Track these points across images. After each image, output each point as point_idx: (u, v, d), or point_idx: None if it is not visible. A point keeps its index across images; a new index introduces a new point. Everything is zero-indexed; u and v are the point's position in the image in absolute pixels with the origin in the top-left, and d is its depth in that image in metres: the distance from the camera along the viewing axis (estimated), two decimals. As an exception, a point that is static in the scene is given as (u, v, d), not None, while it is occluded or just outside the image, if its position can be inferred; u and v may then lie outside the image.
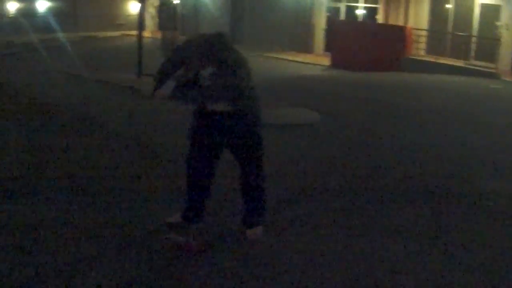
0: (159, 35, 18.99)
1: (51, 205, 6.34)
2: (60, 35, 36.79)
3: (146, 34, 19.98)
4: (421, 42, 25.05)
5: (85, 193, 6.75)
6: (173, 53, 5.58)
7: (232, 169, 5.93)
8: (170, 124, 10.90)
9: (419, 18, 25.87)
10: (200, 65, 5.28)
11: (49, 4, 49.96)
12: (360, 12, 29.02)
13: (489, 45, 22.82)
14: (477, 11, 24.04)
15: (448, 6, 25.17)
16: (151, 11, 20.90)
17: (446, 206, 6.78)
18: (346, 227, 6.00)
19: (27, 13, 52.86)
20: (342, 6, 29.58)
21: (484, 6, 23.87)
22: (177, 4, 36.13)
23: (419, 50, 24.89)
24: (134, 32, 19.80)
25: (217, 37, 5.30)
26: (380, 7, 27.73)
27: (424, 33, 25.30)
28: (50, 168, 7.73)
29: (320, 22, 30.17)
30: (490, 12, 23.66)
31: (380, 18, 27.63)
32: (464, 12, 24.55)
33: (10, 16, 57.74)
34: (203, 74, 5.30)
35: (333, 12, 29.93)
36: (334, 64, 24.92)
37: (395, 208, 6.64)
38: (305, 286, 4.79)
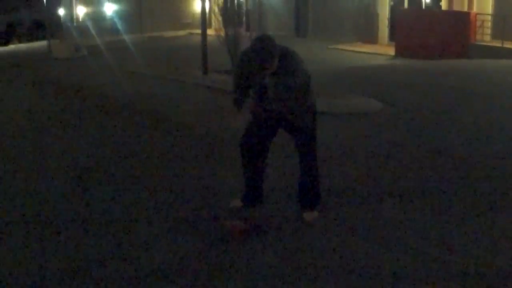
0: (222, 32, 19.20)
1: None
2: (127, 36, 37.58)
3: (211, 31, 20.28)
4: (486, 27, 24.71)
5: (155, 183, 7.11)
6: (236, 69, 5.91)
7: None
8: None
9: (483, 3, 25.51)
10: (259, 77, 5.54)
11: (115, 7, 51.00)
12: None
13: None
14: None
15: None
16: (215, 8, 21.12)
17: None
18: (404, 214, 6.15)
19: (95, 16, 54.11)
20: (406, -6, 29.43)
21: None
22: (241, 0, 36.44)
23: (485, 36, 24.56)
24: (200, 31, 20.12)
25: (260, 44, 5.36)
26: (443, -7, 27.47)
27: (488, 18, 24.96)
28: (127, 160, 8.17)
29: (384, 11, 30.03)
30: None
31: (444, 4, 27.35)
32: (530, -7, 24.16)
33: (80, 20, 59.22)
34: (267, 84, 5.57)
35: (396, 1, 29.78)
36: (399, 53, 24.81)
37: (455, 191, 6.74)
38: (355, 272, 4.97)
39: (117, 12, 50.34)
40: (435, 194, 6.59)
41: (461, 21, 24.00)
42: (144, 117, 11.69)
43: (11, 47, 55.83)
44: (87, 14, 58.69)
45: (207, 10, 20.74)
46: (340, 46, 28.03)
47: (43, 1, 52.84)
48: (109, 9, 51.80)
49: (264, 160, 6.07)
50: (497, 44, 23.19)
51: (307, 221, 5.83)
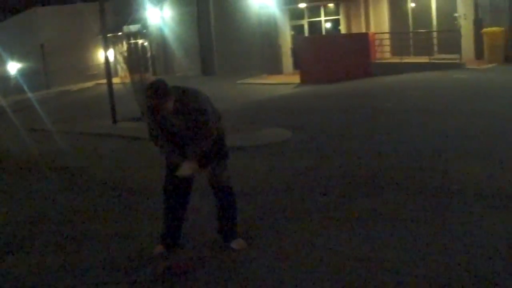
0: (128, 79, 19.22)
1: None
2: (33, 94, 36.96)
3: (117, 80, 20.28)
4: (385, 45, 25.52)
5: (75, 239, 7.01)
6: (148, 123, 6.00)
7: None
8: (145, 162, 11.23)
9: (380, 23, 26.41)
10: (166, 119, 5.77)
11: (19, 65, 50.20)
12: (323, 25, 29.54)
13: (450, 37, 23.26)
14: (434, 6, 24.61)
15: (405, 5, 25.73)
16: (118, 57, 21.14)
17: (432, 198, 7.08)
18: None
19: (-2, 76, 53.07)
20: (305, 23, 30.10)
21: (440, 0, 24.44)
22: (146, 46, 36.53)
23: (384, 53, 25.37)
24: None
25: (152, 87, 5.63)
26: (341, 17, 28.24)
27: (386, 36, 25.79)
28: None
29: (286, 42, 30.64)
30: (447, 5, 24.20)
31: (342, 28, 28.12)
32: (422, 9, 25.13)
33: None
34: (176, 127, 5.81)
35: (297, 30, 30.43)
36: (304, 81, 25.30)
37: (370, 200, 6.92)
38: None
39: (21, 70, 49.58)
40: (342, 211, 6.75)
41: (361, 42, 24.71)
42: (56, 175, 11.51)
43: None
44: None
45: (111, 59, 20.72)
46: (248, 80, 28.41)
47: None
48: (12, 68, 51.00)
49: (187, 203, 6.21)
50: (397, 60, 23.95)
51: (237, 249, 6.01)
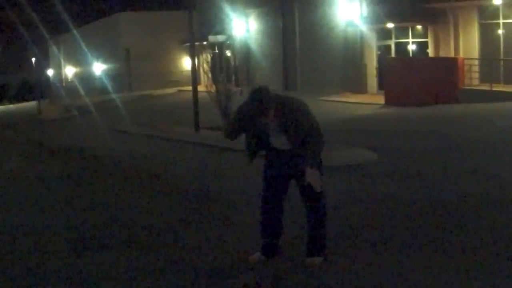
0: (212, 88, 19.28)
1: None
2: (116, 95, 37.65)
3: (201, 88, 20.37)
4: (474, 72, 24.93)
5: (157, 246, 6.95)
6: (234, 125, 5.98)
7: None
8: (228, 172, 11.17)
9: (469, 48, 25.80)
10: (260, 124, 5.73)
11: (104, 66, 51.32)
12: (410, 47, 29.12)
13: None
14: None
15: (497, 31, 25.10)
16: (205, 65, 21.26)
17: None
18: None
19: (84, 76, 54.44)
20: (392, 43, 29.73)
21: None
22: (229, 56, 36.81)
23: (473, 80, 24.77)
24: (189, 88, 20.25)
25: (257, 92, 5.58)
26: (429, 40, 27.76)
27: (476, 62, 25.19)
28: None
29: (371, 61, 30.33)
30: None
31: (430, 51, 27.64)
32: (514, 36, 24.45)
33: (69, 81, 59.58)
34: (269, 130, 5.81)
35: (383, 50, 30.08)
36: (389, 102, 24.91)
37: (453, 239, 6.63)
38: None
39: (105, 72, 50.64)
40: (431, 246, 6.47)
41: (449, 66, 24.19)
42: (139, 179, 11.55)
43: (1, 108, 55.93)
44: (76, 74, 59.09)
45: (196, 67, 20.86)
46: (330, 98, 28.20)
47: (32, 62, 53.28)
48: (98, 68, 52.14)
49: (282, 213, 6.20)
50: (486, 87, 23.35)
51: (308, 266, 5.90)
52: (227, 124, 6.09)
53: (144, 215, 8.53)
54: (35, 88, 48.78)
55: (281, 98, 5.73)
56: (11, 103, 63.40)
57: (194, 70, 20.00)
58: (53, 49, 64.81)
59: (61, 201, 9.88)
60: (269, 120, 5.62)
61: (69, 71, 62.00)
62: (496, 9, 24.80)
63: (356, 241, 6.71)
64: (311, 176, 5.69)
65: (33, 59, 53.37)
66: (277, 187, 6.09)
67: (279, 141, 5.86)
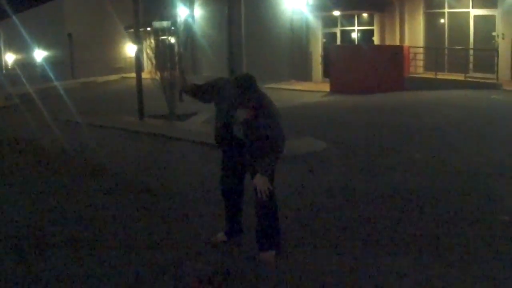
0: (157, 75, 18.95)
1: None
2: (59, 83, 36.85)
3: (145, 75, 19.99)
4: (419, 60, 25.08)
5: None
6: (206, 86, 6.04)
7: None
8: (173, 162, 10.90)
9: (415, 36, 25.95)
10: (232, 106, 5.63)
11: (46, 53, 50.25)
12: (356, 35, 29.14)
13: (487, 56, 22.82)
14: (471, 23, 24.11)
15: (442, 21, 25.26)
16: (149, 52, 20.85)
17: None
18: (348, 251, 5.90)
19: (25, 63, 53.23)
20: (338, 31, 29.71)
21: (478, 18, 23.97)
22: (174, 43, 36.32)
23: (418, 68, 24.92)
24: (133, 75, 19.88)
25: (246, 79, 5.56)
26: (375, 28, 27.82)
27: (421, 50, 25.35)
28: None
29: (317, 49, 30.28)
30: (485, 23, 23.73)
31: (376, 39, 27.70)
32: (459, 25, 24.64)
33: (9, 68, 58.21)
34: (236, 117, 5.69)
35: (329, 38, 30.04)
36: (334, 90, 24.91)
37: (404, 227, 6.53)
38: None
39: (47, 59, 49.60)
40: (386, 235, 6.36)
41: (395, 54, 24.25)
42: (84, 171, 11.17)
43: None
44: (16, 61, 57.77)
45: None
46: (276, 85, 28.04)
47: (-30, 50, 51.86)
48: (39, 55, 51.02)
49: (241, 196, 6.29)
50: (431, 75, 23.52)
51: (261, 261, 5.80)
52: (190, 84, 6.08)
53: (88, 211, 8.18)
54: (-26, 75, 47.44)
55: (260, 94, 5.64)
56: None
57: (138, 57, 19.62)
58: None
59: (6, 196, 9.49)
60: (243, 114, 5.54)
61: (9, 58, 60.59)
62: (441, -2, 25.01)
63: (304, 234, 6.55)
64: (259, 183, 5.60)
65: (-29, 46, 51.95)
66: (233, 171, 6.13)
67: (239, 131, 5.81)
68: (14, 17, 51.29)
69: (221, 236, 6.37)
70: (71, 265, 6.06)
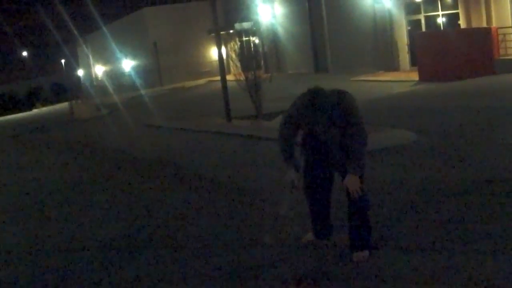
0: (242, 77, 19.00)
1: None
2: (147, 90, 37.63)
3: (230, 77, 20.07)
4: (509, 41, 24.22)
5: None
6: (285, 122, 5.82)
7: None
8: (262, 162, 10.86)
9: (502, 16, 25.04)
10: (316, 126, 5.51)
11: (133, 63, 51.28)
12: (440, 20, 28.44)
13: None
14: None
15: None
16: (232, 54, 20.94)
17: None
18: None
19: (113, 74, 54.54)
20: (422, 17, 29.07)
21: None
22: (257, 43, 36.47)
23: (508, 49, 24.06)
24: (219, 78, 20.00)
25: (312, 96, 5.37)
26: (460, 11, 27.05)
27: (510, 30, 24.46)
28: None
29: (402, 37, 29.71)
30: None
31: (462, 23, 26.94)
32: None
33: (99, 79, 59.79)
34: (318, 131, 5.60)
35: (413, 25, 29.45)
36: (423, 78, 24.29)
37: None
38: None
39: (135, 68, 50.63)
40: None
41: (482, 37, 23.49)
42: (174, 174, 11.30)
43: (35, 111, 56.45)
44: (105, 73, 59.26)
45: (224, 56, 20.55)
46: (363, 77, 27.69)
47: (62, 64, 53.51)
48: (127, 65, 52.14)
49: (329, 197, 6.08)
50: (523, 57, 22.70)
51: (356, 261, 5.67)
52: (280, 126, 5.85)
53: (179, 211, 8.26)
54: (67, 89, 48.99)
55: (335, 92, 5.56)
56: (43, 105, 63.83)
57: (222, 60, 19.67)
58: (82, 49, 65.04)
59: (99, 203, 9.69)
60: (325, 122, 5.39)
61: (99, 70, 62.17)
62: (528, -26, 24.07)
63: (397, 233, 6.32)
64: (351, 183, 5.53)
65: (63, 61, 53.52)
66: (320, 178, 5.96)
67: (326, 133, 5.62)
68: (101, 29, 52.53)
69: (309, 236, 6.27)
70: (168, 266, 6.13)
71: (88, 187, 11.19)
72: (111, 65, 57.13)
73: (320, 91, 5.41)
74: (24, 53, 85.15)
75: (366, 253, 5.72)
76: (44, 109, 57.17)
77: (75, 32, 58.83)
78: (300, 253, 6.02)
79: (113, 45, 50.07)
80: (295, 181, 5.83)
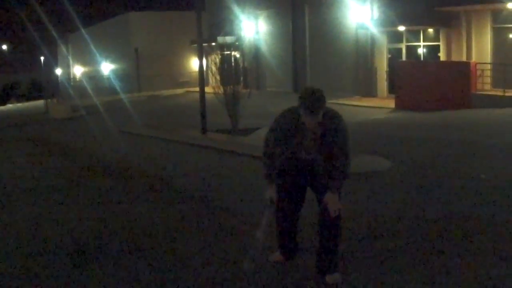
0: (220, 90, 19.02)
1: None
2: (124, 96, 37.47)
3: (209, 89, 20.06)
4: (487, 76, 24.52)
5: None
6: (270, 138, 5.78)
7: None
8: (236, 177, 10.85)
9: (482, 52, 25.38)
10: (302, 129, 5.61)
11: (112, 66, 51.10)
12: (421, 51, 28.72)
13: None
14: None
15: (511, 36, 24.68)
16: (213, 67, 20.95)
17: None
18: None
19: (92, 76, 54.28)
20: (403, 46, 29.33)
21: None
22: (238, 58, 36.48)
23: (485, 85, 24.35)
24: (198, 89, 19.99)
25: (313, 92, 5.48)
26: (441, 44, 27.35)
27: (488, 66, 24.77)
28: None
29: (382, 65, 29.95)
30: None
31: (442, 55, 27.23)
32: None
33: (77, 80, 59.46)
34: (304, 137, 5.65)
35: (394, 54, 29.68)
36: (400, 106, 24.51)
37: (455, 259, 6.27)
38: None
39: (114, 72, 50.45)
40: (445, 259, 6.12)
41: (461, 71, 23.77)
42: (144, 183, 11.25)
43: (9, 106, 55.95)
44: (84, 74, 58.96)
45: (204, 68, 20.55)
46: (340, 101, 27.76)
47: (41, 62, 53.15)
48: (106, 68, 51.93)
49: (298, 216, 6.10)
50: (498, 92, 22.95)
51: (331, 283, 5.65)
52: (266, 142, 5.81)
53: (146, 222, 8.21)
54: (44, 87, 48.66)
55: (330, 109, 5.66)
56: (19, 101, 63.37)
57: (202, 72, 19.67)
58: (62, 48, 64.71)
59: (56, 203, 9.60)
60: (319, 120, 5.46)
61: (78, 70, 61.89)
62: (510, 13, 24.38)
63: (364, 255, 6.37)
64: (331, 201, 5.56)
65: (42, 58, 53.15)
66: (294, 195, 5.94)
67: (307, 149, 5.68)
68: (83, 30, 52.31)
69: (277, 255, 6.22)
70: (127, 274, 6.06)
71: (53, 190, 11.04)
72: (90, 67, 56.92)
73: (321, 96, 5.47)
74: (4, 47, 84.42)
75: (338, 275, 5.72)
76: (19, 105, 56.77)
77: (55, 30, 58.50)
78: (265, 271, 5.99)
79: (94, 48, 49.91)
80: (274, 198, 5.80)
